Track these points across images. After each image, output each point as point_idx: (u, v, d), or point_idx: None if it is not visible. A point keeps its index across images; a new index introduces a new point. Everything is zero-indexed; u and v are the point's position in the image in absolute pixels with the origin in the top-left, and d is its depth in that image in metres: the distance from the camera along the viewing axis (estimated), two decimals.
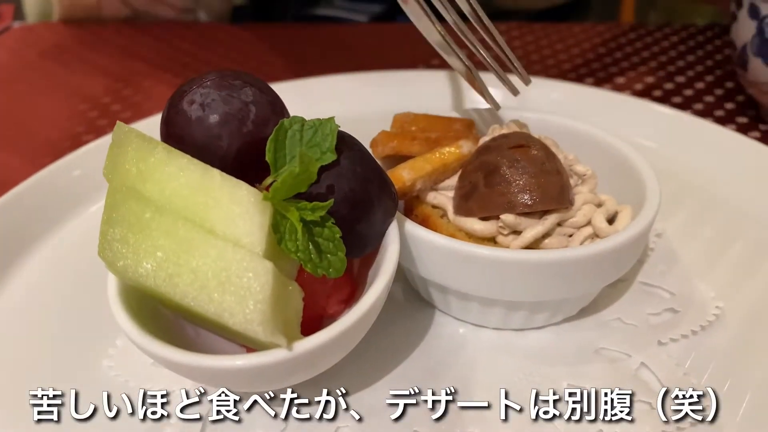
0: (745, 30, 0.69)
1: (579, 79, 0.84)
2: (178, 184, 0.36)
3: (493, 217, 0.46)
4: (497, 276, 0.43)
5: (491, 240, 0.47)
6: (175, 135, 0.41)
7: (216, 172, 0.36)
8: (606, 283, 0.47)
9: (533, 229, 0.45)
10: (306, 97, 0.73)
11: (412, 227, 0.45)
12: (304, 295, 0.38)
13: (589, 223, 0.47)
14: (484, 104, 0.58)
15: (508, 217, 0.45)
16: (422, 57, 0.90)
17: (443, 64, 0.87)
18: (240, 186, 0.36)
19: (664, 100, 0.80)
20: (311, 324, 0.40)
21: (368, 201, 0.40)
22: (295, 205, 0.37)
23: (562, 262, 0.42)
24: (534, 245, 0.46)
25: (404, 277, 0.52)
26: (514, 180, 0.45)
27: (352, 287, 0.45)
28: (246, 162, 0.40)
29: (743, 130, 0.74)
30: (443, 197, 0.49)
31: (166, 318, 0.42)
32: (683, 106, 0.78)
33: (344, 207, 0.39)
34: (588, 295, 0.48)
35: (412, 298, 0.51)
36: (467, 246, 0.43)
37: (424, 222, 0.49)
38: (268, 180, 0.38)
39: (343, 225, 0.38)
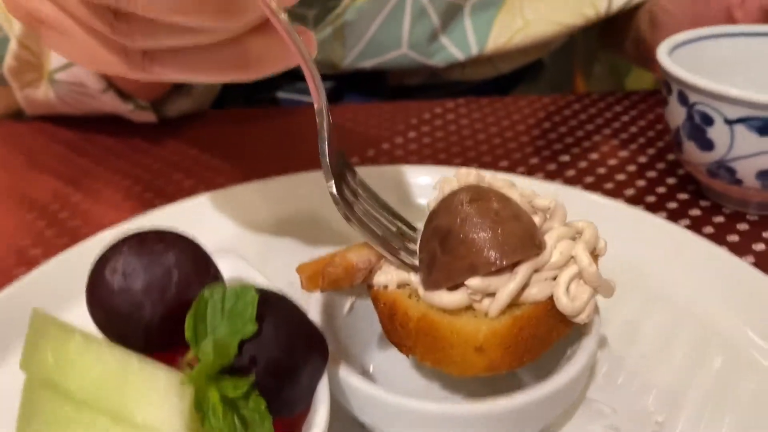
0: (676, 114, 0.71)
1: (524, 159, 0.85)
2: (96, 373, 0.36)
3: (462, 285, 0.41)
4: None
5: (469, 309, 0.42)
6: (98, 305, 0.41)
7: (134, 358, 0.36)
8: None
9: (506, 287, 0.40)
10: (243, 204, 0.73)
11: (358, 382, 0.43)
12: None
13: (571, 259, 0.43)
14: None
15: (473, 281, 0.40)
16: (374, 141, 0.91)
17: (388, 151, 0.88)
18: (158, 371, 0.36)
19: (608, 177, 0.81)
20: None
21: (293, 366, 0.40)
22: (215, 383, 0.37)
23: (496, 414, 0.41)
24: (516, 302, 0.41)
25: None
26: (470, 239, 0.40)
27: None
28: (172, 326, 0.40)
29: (685, 206, 0.75)
30: (402, 273, 0.45)
31: None
32: (627, 184, 0.80)
33: (267, 376, 0.39)
34: None
35: None
36: (411, 402, 0.41)
37: (392, 309, 0.45)
38: (190, 355, 0.38)
39: (269, 393, 0.38)
